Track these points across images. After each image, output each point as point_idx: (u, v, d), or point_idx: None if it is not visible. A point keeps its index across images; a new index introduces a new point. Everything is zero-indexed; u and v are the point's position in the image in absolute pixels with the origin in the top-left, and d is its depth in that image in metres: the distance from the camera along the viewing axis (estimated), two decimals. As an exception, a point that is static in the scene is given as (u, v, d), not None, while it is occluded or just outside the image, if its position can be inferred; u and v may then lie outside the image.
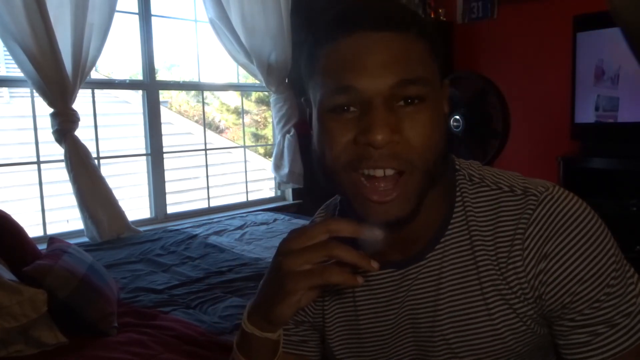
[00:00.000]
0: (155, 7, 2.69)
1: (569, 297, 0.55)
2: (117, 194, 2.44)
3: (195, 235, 2.37)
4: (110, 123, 3.59)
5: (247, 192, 3.32)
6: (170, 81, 3.24)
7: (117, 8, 2.40)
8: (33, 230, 2.19)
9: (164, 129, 2.84)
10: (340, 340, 0.69)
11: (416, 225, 0.60)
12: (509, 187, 0.60)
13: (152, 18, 2.68)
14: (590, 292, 0.55)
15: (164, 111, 3.05)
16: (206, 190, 3.07)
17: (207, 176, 3.09)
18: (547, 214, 0.57)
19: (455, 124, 2.66)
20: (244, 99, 3.63)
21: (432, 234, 0.62)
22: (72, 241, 2.07)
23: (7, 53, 2.14)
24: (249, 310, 0.60)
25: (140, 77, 2.73)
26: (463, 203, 0.62)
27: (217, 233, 2.45)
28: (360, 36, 0.53)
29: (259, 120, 4.62)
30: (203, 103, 3.30)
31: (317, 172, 0.61)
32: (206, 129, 3.30)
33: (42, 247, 1.75)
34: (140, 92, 2.77)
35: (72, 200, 2.32)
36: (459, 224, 0.62)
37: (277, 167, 3.17)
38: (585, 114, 2.81)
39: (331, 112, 0.55)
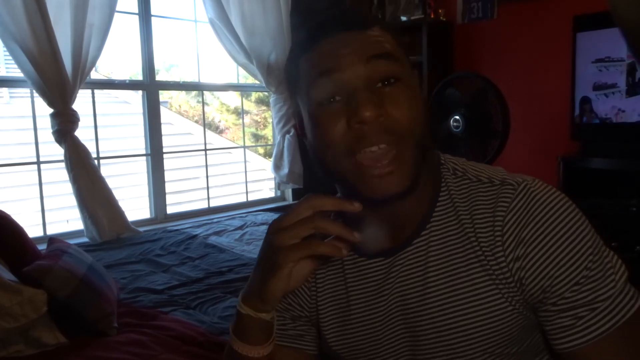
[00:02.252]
0: (155, 7, 2.69)
1: (548, 281, 0.57)
2: (117, 194, 2.44)
3: (195, 236, 2.37)
4: (110, 123, 3.59)
5: (247, 192, 3.32)
6: (170, 81, 3.24)
7: (117, 8, 2.40)
8: (33, 230, 2.19)
9: (164, 129, 2.84)
10: (333, 330, 0.72)
11: (404, 210, 0.64)
12: (488, 178, 0.64)
13: (152, 18, 2.68)
14: (568, 275, 0.57)
15: (163, 111, 3.05)
16: (206, 190, 3.07)
17: (207, 176, 3.09)
18: (525, 202, 0.59)
19: (455, 124, 2.66)
20: (243, 99, 3.63)
21: (419, 220, 0.65)
22: (72, 241, 2.08)
23: (7, 53, 2.14)
24: (243, 294, 0.63)
25: (140, 77, 2.73)
26: (449, 192, 0.65)
27: (217, 233, 2.45)
28: (332, 38, 0.60)
29: (259, 120, 4.63)
30: (203, 103, 3.31)
31: (316, 167, 0.64)
32: (206, 129, 3.31)
33: (42, 247, 1.75)
34: (140, 92, 2.77)
35: (72, 201, 2.32)
36: (444, 211, 0.65)
37: (277, 167, 3.17)
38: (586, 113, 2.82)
39: (319, 106, 0.60)
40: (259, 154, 4.59)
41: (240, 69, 3.05)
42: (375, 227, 0.66)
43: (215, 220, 2.75)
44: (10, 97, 3.52)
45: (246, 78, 3.39)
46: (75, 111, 2.25)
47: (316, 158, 0.63)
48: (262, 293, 0.59)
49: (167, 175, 2.84)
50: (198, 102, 4.25)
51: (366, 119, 0.56)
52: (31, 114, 2.35)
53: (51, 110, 2.20)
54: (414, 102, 0.60)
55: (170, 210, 2.87)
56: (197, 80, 3.04)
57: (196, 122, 4.43)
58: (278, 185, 3.34)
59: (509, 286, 0.60)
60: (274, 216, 2.78)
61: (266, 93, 3.38)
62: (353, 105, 0.57)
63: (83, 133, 2.32)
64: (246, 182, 3.31)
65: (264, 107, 4.36)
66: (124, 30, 2.87)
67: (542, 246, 0.58)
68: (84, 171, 2.28)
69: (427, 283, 0.64)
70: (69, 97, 2.21)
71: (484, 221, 0.61)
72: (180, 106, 4.78)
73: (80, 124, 2.28)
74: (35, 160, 2.38)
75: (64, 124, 2.21)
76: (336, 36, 0.60)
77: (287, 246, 0.55)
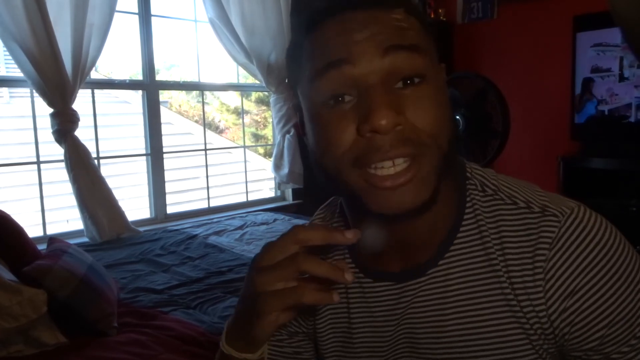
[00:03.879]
0: (155, 7, 2.69)
1: (597, 341, 0.50)
2: (117, 194, 2.44)
3: (195, 236, 2.37)
4: (110, 123, 3.59)
5: (247, 192, 3.32)
6: (170, 81, 3.24)
7: (117, 8, 2.39)
8: (33, 230, 2.19)
9: (164, 129, 2.84)
10: (333, 352, 0.66)
11: (419, 231, 0.55)
12: (525, 202, 0.54)
13: (152, 18, 2.68)
14: (619, 334, 0.49)
15: (164, 111, 3.05)
16: (206, 190, 3.07)
17: (207, 176, 3.09)
18: (574, 242, 0.50)
19: (455, 124, 2.66)
20: (244, 99, 3.63)
21: (436, 245, 0.56)
22: (72, 241, 2.07)
23: (7, 53, 2.14)
24: (227, 329, 0.56)
25: (140, 77, 2.73)
26: (475, 216, 0.55)
27: (217, 233, 2.45)
28: (346, 16, 0.49)
29: (259, 120, 4.63)
30: (203, 103, 3.30)
31: (317, 174, 0.55)
32: (206, 129, 3.30)
33: (42, 247, 1.75)
34: (140, 92, 2.77)
35: (72, 200, 2.32)
36: (468, 237, 0.55)
37: (277, 167, 3.17)
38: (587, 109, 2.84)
39: (325, 105, 0.50)
40: (259, 154, 4.59)
41: (240, 68, 3.06)
42: (382, 247, 0.56)
43: (215, 220, 2.75)
44: (10, 97, 3.51)
45: (246, 78, 3.39)
46: (75, 111, 2.25)
47: (317, 164, 0.53)
48: (245, 336, 0.52)
49: (167, 175, 2.84)
50: (198, 102, 4.25)
51: (381, 128, 0.46)
52: (31, 114, 2.35)
53: (51, 110, 2.20)
54: (441, 106, 0.50)
55: (170, 210, 2.87)
56: (197, 80, 3.04)
57: (196, 122, 4.43)
58: (278, 185, 3.34)
59: (544, 336, 0.52)
60: (274, 216, 2.78)
61: (266, 93, 3.38)
62: (366, 108, 0.47)
63: (83, 133, 2.32)
64: (246, 182, 3.31)
65: (264, 107, 4.36)
66: (124, 30, 2.87)
67: (594, 300, 0.49)
68: (84, 171, 2.28)
69: (443, 321, 0.56)
70: (69, 97, 2.21)
71: (520, 257, 0.52)
72: (180, 106, 4.78)
73: (80, 123, 2.28)
74: (35, 160, 2.38)
75: (64, 124, 2.21)
76: (351, 15, 0.49)
77: (270, 292, 0.47)
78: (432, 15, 3.47)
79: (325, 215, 0.71)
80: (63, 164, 2.27)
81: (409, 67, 0.48)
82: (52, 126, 2.22)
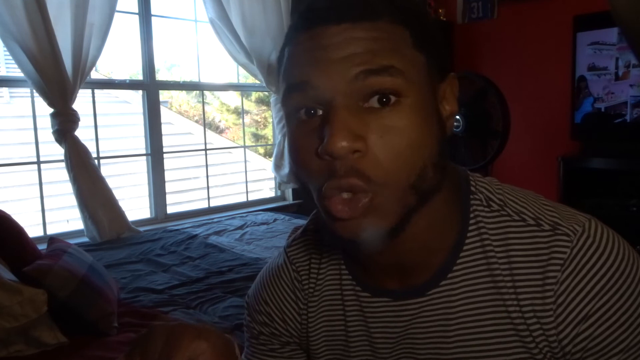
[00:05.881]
0: (155, 7, 2.69)
1: None
2: (117, 194, 2.44)
3: (196, 235, 2.37)
4: (110, 123, 3.59)
5: (247, 192, 3.32)
6: (170, 81, 3.24)
7: (117, 8, 2.40)
8: (33, 230, 2.19)
9: (164, 129, 2.84)
10: None
11: (412, 251, 0.52)
12: (535, 219, 0.51)
13: (152, 18, 2.68)
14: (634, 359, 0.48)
15: (164, 111, 3.05)
16: (206, 190, 3.07)
17: (207, 176, 3.09)
18: (587, 264, 0.47)
19: (455, 123, 2.66)
20: (244, 99, 3.63)
21: (436, 265, 0.53)
22: (72, 241, 2.07)
23: (7, 53, 2.14)
24: None
25: (140, 77, 2.73)
26: (480, 234, 0.52)
27: (217, 233, 2.45)
28: (320, 31, 0.46)
29: (259, 120, 4.63)
30: (203, 103, 3.31)
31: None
32: (206, 129, 3.31)
33: (42, 247, 1.75)
34: (140, 92, 2.77)
35: (72, 200, 2.32)
36: (472, 257, 0.52)
37: (278, 167, 3.17)
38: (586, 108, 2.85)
39: (296, 117, 0.48)
40: (259, 154, 4.60)
41: (241, 68, 3.06)
42: (373, 264, 0.55)
43: (215, 220, 2.75)
44: (10, 97, 3.51)
45: (246, 78, 3.39)
46: (75, 111, 2.25)
47: (294, 176, 0.52)
48: None
49: (167, 175, 2.84)
50: (198, 101, 4.25)
51: (334, 152, 0.43)
52: (31, 114, 2.35)
53: (51, 110, 2.20)
54: (418, 130, 0.45)
55: (170, 210, 2.87)
56: (197, 80, 3.04)
57: (196, 122, 4.43)
58: (278, 185, 3.34)
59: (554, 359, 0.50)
60: (274, 216, 2.78)
61: (266, 93, 3.38)
62: (326, 128, 0.44)
63: (83, 133, 2.32)
64: (246, 182, 3.31)
65: (264, 107, 4.36)
66: (124, 30, 2.87)
67: (609, 325, 0.47)
68: (84, 171, 2.28)
69: (446, 343, 0.53)
70: (69, 96, 2.21)
71: (529, 278, 0.49)
72: (180, 106, 4.78)
73: (80, 123, 2.28)
74: (35, 160, 2.38)
75: (64, 124, 2.21)
76: (325, 29, 0.46)
77: None
78: (432, 15, 3.47)
79: (318, 219, 0.67)
80: (63, 164, 2.28)
81: (380, 86, 0.45)
82: (52, 126, 2.22)
